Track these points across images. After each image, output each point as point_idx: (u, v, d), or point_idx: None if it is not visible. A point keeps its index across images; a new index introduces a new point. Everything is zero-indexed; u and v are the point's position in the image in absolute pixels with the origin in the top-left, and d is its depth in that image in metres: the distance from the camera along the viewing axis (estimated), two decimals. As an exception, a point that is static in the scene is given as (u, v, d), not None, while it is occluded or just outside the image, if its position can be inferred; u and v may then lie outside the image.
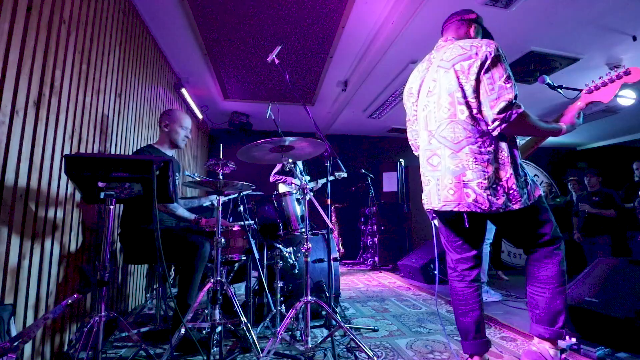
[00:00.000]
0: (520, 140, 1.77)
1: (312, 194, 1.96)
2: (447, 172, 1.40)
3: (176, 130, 2.17)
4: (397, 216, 5.48)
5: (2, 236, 1.33)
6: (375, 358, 1.68)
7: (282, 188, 4.28)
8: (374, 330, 2.15)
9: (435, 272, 3.50)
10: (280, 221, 2.09)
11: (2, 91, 1.32)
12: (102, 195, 1.33)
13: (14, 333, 1.23)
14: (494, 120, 1.32)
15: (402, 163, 5.69)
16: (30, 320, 1.47)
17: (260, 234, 2.17)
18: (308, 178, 4.22)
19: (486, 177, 1.33)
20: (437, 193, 1.44)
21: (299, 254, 2.35)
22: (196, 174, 2.28)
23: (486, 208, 1.33)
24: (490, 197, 1.33)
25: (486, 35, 1.62)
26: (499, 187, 1.34)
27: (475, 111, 1.37)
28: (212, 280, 1.63)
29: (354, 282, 4.03)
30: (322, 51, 3.41)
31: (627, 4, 2.57)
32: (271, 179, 4.32)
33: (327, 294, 2.15)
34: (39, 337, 1.55)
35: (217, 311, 1.62)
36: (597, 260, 2.31)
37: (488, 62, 1.33)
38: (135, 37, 2.67)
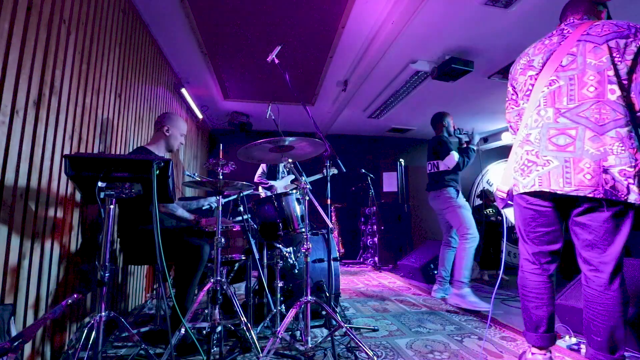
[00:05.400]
0: None
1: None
2: (584, 155, 1.29)
3: (176, 136, 2.20)
4: (397, 216, 5.48)
5: (2, 236, 1.32)
6: (375, 358, 1.68)
7: (261, 191, 4.31)
8: (374, 330, 2.15)
9: (435, 272, 3.51)
10: (280, 221, 2.09)
11: (2, 91, 1.32)
12: (102, 195, 1.33)
13: (14, 333, 1.22)
14: None
15: (402, 163, 5.69)
16: (30, 320, 1.47)
17: (260, 234, 2.17)
18: (291, 177, 4.21)
19: (632, 164, 1.23)
20: (563, 175, 1.32)
21: (299, 254, 2.35)
22: (196, 174, 2.28)
23: (623, 197, 1.23)
24: (631, 185, 1.22)
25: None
26: None
27: (631, 93, 1.28)
28: (212, 280, 1.63)
29: (354, 282, 4.03)
30: (322, 51, 3.41)
31: (627, 4, 2.57)
32: (256, 180, 4.39)
33: (327, 294, 2.15)
34: (39, 337, 1.54)
35: (217, 311, 1.62)
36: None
37: None
38: (135, 37, 2.67)
